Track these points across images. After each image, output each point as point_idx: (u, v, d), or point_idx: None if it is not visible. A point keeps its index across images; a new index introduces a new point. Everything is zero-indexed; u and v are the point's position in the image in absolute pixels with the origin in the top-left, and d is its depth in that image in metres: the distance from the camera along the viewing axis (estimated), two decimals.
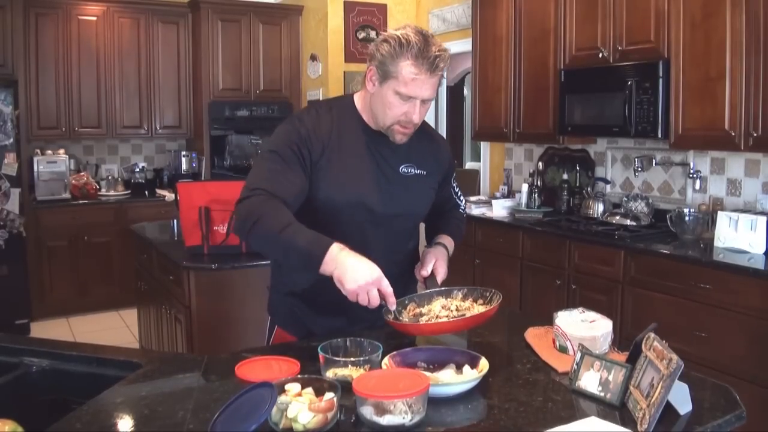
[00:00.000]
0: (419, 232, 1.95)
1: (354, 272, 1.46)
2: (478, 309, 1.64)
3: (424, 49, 1.59)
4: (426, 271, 1.78)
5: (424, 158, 1.82)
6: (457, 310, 1.64)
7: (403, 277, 1.87)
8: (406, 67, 1.60)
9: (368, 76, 1.69)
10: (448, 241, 1.90)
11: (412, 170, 1.79)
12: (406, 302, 1.70)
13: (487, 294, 1.69)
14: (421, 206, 1.85)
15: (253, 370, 1.42)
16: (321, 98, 5.90)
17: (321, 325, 1.78)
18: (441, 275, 1.78)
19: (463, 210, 2.05)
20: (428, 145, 1.86)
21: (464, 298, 1.71)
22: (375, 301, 1.48)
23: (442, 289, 1.74)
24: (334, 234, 1.68)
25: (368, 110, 1.75)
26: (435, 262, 1.79)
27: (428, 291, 1.73)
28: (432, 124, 5.93)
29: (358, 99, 1.79)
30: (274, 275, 1.91)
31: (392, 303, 1.52)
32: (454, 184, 2.01)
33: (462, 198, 2.05)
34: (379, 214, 1.74)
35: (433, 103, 6.67)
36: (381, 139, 1.74)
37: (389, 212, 1.76)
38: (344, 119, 1.76)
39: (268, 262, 1.96)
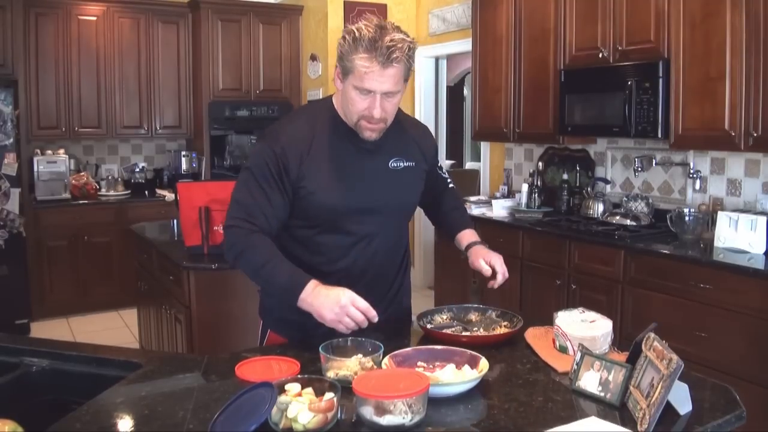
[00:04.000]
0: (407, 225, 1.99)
1: (326, 303, 1.54)
2: (500, 330, 1.78)
3: (376, 41, 1.56)
4: (487, 271, 1.82)
5: (411, 150, 1.83)
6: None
7: (400, 271, 1.90)
8: (359, 61, 1.58)
9: (335, 73, 1.69)
10: (474, 236, 1.95)
11: (401, 164, 1.79)
12: (444, 311, 1.83)
13: (514, 319, 1.80)
14: (413, 198, 1.88)
15: (253, 370, 1.42)
16: (321, 98, 5.89)
17: (313, 329, 1.72)
18: (501, 274, 1.83)
19: (453, 186, 2.07)
20: (412, 136, 1.87)
21: (499, 317, 1.85)
22: (359, 318, 1.53)
23: (480, 306, 1.87)
24: (338, 239, 1.73)
25: (342, 109, 1.74)
26: (491, 260, 1.83)
27: (465, 305, 1.86)
28: (432, 124, 5.94)
29: (335, 100, 1.78)
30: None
31: (373, 316, 1.55)
32: (440, 166, 2.02)
33: (446, 174, 2.07)
34: (376, 213, 1.75)
35: (433, 103, 6.68)
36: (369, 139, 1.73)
37: (384, 209, 1.77)
38: (324, 123, 1.75)
39: None
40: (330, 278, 1.69)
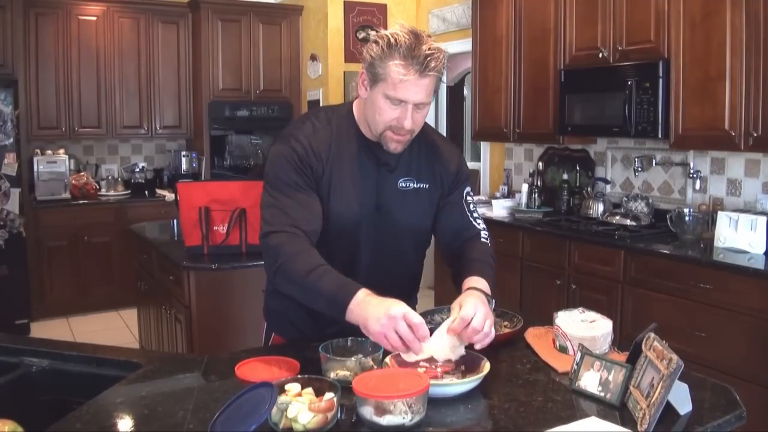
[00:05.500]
0: (424, 251, 1.86)
1: (374, 312, 1.38)
2: (501, 330, 1.74)
3: (413, 48, 1.49)
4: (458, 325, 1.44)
5: (427, 171, 1.73)
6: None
7: (402, 296, 1.60)
8: (394, 68, 1.50)
9: (360, 79, 1.61)
10: (480, 283, 1.58)
11: (411, 184, 1.70)
12: (444, 311, 1.75)
13: (514, 319, 1.79)
14: (420, 222, 1.75)
15: (253, 370, 1.42)
16: (321, 98, 5.90)
17: (318, 331, 1.71)
18: (479, 338, 1.45)
19: (487, 238, 1.78)
20: (433, 156, 1.74)
21: (499, 317, 1.80)
22: (408, 335, 1.35)
23: None
24: (330, 251, 1.64)
25: (364, 118, 1.66)
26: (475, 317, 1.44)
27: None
28: (432, 124, 5.93)
29: (356, 107, 1.70)
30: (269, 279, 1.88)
31: (424, 336, 1.37)
32: (470, 204, 1.79)
33: (481, 222, 1.80)
34: (376, 231, 1.69)
35: (433, 103, 6.69)
36: (380, 150, 1.65)
37: (387, 229, 1.69)
38: (342, 131, 1.67)
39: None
40: None
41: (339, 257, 1.65)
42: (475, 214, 1.79)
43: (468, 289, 1.56)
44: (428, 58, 1.49)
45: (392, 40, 1.50)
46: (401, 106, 1.54)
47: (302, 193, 1.61)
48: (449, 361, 1.44)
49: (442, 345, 1.44)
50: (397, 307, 1.37)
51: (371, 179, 1.67)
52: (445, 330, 1.45)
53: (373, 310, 1.38)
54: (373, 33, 1.58)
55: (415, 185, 1.71)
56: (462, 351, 1.45)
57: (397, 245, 1.74)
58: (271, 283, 1.83)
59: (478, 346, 1.45)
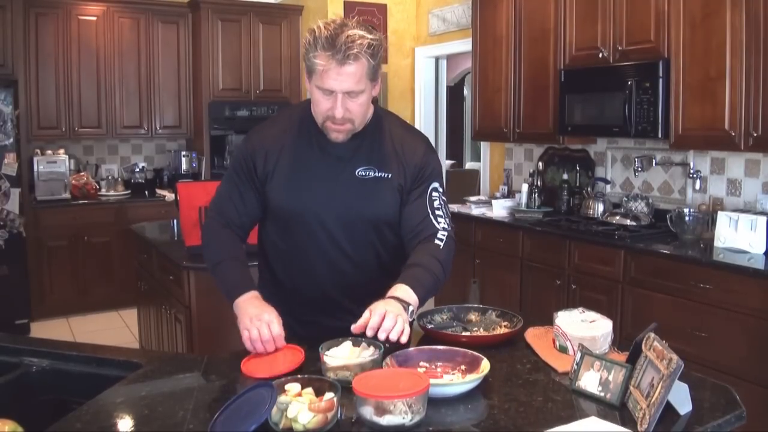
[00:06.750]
0: (399, 248, 1.77)
1: (251, 311, 1.54)
2: (500, 330, 1.77)
3: (332, 39, 1.52)
4: (357, 327, 1.46)
5: (389, 160, 1.70)
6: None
7: (379, 288, 1.61)
8: (316, 59, 1.54)
9: (305, 73, 1.65)
10: (400, 291, 1.54)
11: (372, 173, 1.69)
12: (444, 311, 1.83)
13: (514, 319, 1.79)
14: (384, 212, 1.71)
15: (259, 362, 1.48)
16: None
17: (308, 332, 1.71)
18: (385, 334, 1.43)
19: (443, 239, 1.67)
20: (397, 147, 1.72)
21: (499, 317, 1.83)
22: (265, 334, 1.50)
23: (480, 306, 1.86)
24: (292, 241, 1.73)
25: None
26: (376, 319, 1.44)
27: (465, 305, 1.85)
28: (432, 124, 5.94)
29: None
30: (262, 276, 1.90)
31: (278, 347, 1.52)
32: (435, 201, 1.71)
33: (442, 221, 1.70)
34: (331, 221, 1.69)
35: (433, 103, 6.64)
36: (336, 141, 1.67)
37: (343, 218, 1.69)
38: (297, 125, 1.73)
39: (257, 263, 1.93)
40: (304, 288, 1.76)
41: (302, 247, 1.71)
42: (438, 212, 1.70)
43: (387, 297, 1.53)
44: (347, 46, 1.51)
45: (317, 32, 1.55)
46: (332, 96, 1.58)
47: (237, 186, 1.74)
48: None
49: (350, 353, 1.46)
50: (268, 315, 1.53)
51: (319, 167, 1.69)
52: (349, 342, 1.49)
53: (251, 310, 1.55)
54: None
55: (376, 174, 1.69)
56: (371, 356, 1.43)
57: (360, 236, 1.72)
58: (260, 278, 1.90)
59: (393, 337, 1.43)
